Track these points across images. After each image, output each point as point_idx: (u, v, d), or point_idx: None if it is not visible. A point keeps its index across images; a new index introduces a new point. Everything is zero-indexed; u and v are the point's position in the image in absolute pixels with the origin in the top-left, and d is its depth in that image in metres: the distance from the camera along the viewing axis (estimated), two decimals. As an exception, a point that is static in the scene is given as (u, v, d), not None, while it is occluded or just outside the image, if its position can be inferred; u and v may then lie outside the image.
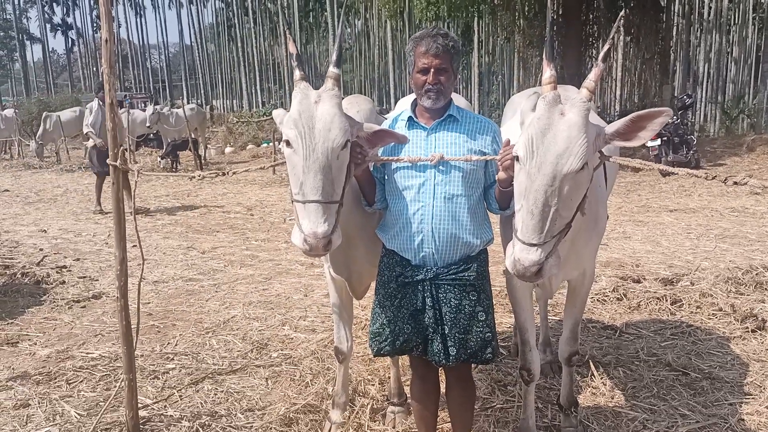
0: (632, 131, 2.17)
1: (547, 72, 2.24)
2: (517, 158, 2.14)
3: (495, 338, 2.51)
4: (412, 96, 2.67)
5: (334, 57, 2.42)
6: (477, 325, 2.45)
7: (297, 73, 2.40)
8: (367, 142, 2.42)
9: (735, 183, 1.99)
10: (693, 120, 18.78)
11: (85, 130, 9.41)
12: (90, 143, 9.44)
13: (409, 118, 2.55)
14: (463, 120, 2.53)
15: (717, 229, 7.47)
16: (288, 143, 2.26)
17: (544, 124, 2.09)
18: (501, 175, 2.36)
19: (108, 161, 3.07)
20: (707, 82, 25.75)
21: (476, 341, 2.45)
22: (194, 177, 3.07)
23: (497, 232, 2.67)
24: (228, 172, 3.04)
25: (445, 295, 2.45)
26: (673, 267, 5.84)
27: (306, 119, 2.23)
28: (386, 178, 2.58)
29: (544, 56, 2.38)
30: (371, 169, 2.58)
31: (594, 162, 2.29)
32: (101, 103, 8.95)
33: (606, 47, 2.31)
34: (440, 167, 2.44)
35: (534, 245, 2.08)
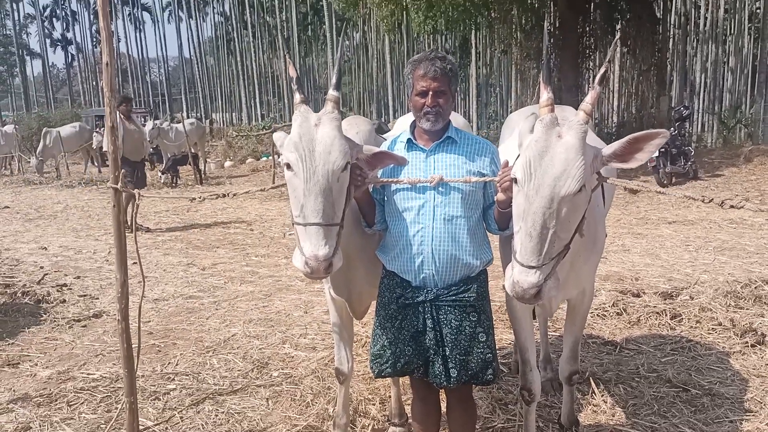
0: (629, 153, 2.19)
1: (545, 95, 2.26)
2: (515, 180, 2.17)
3: (495, 359, 2.52)
4: (411, 115, 2.70)
5: (333, 80, 2.45)
6: (478, 346, 2.47)
7: (297, 97, 2.43)
8: (367, 164, 2.44)
9: (732, 206, 2.01)
10: (690, 130, 18.84)
11: (104, 147, 9.21)
12: None
13: (408, 140, 2.58)
14: (461, 141, 2.56)
15: (715, 241, 7.49)
16: (288, 166, 2.28)
17: (542, 147, 2.11)
18: (500, 196, 2.38)
19: (108, 184, 3.10)
20: (704, 91, 25.86)
21: (477, 362, 2.46)
22: (195, 199, 3.09)
23: (496, 249, 2.69)
24: (228, 194, 3.07)
25: (445, 316, 2.46)
26: (673, 280, 5.86)
27: (306, 142, 2.25)
28: (386, 199, 2.60)
29: (541, 79, 2.41)
30: (371, 190, 2.60)
31: (592, 184, 2.31)
32: (122, 117, 8.91)
33: (602, 70, 2.33)
34: (440, 189, 2.46)
35: (533, 267, 2.10)
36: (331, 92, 2.38)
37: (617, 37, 2.70)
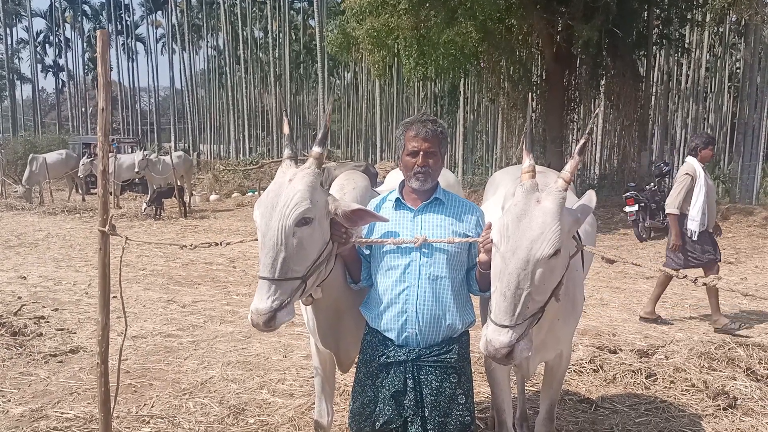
0: None
1: (526, 161, 2.37)
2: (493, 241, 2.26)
3: (474, 421, 2.56)
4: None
5: (319, 136, 2.50)
6: (457, 408, 2.50)
7: (286, 152, 2.51)
8: (347, 220, 2.45)
9: (704, 284, 2.11)
10: (670, 185, 19.20)
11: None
12: None
13: (397, 199, 2.65)
14: (448, 203, 2.63)
15: (691, 299, 7.62)
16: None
17: (521, 210, 2.22)
18: (482, 257, 2.45)
19: (97, 227, 3.14)
20: (684, 147, 26.51)
21: (455, 425, 2.49)
22: (186, 246, 3.13)
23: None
24: (221, 243, 3.11)
25: (426, 377, 2.50)
26: (649, 337, 5.94)
27: (271, 198, 2.33)
28: (372, 257, 2.66)
29: (523, 147, 2.52)
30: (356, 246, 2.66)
31: (570, 250, 2.40)
32: None
33: (582, 141, 2.45)
34: (424, 249, 2.53)
35: (506, 327, 2.16)
36: (315, 148, 2.44)
37: (597, 111, 2.83)
